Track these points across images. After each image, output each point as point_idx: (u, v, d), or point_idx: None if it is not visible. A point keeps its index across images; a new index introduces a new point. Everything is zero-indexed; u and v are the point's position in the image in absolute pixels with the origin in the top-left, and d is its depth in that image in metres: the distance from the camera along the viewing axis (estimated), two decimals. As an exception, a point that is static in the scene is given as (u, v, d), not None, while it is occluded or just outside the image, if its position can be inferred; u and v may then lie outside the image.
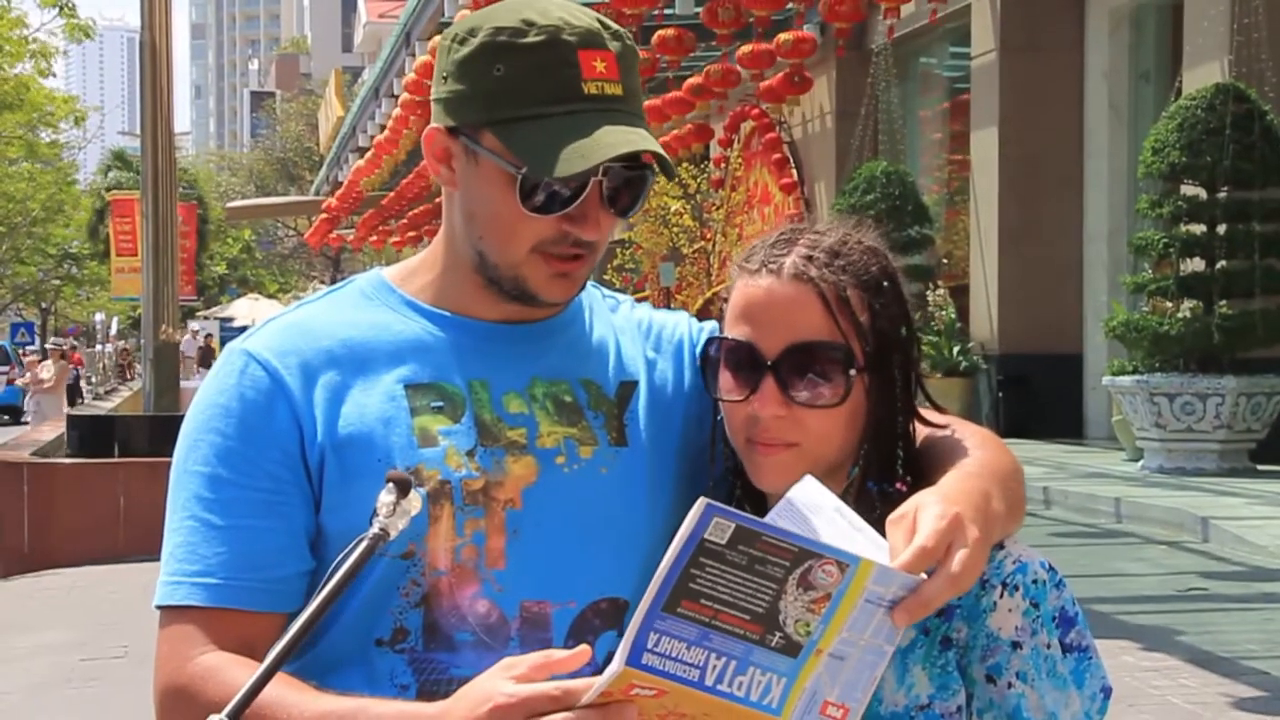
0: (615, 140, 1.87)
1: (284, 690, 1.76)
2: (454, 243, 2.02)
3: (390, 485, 1.75)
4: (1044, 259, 19.64)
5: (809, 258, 1.90)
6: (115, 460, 13.05)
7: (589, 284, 2.13)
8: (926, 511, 1.71)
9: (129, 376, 51.04)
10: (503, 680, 1.65)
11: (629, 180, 1.94)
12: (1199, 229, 15.01)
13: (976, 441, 1.95)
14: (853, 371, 1.88)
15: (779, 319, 1.88)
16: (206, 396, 1.98)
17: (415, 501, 1.77)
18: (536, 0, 1.95)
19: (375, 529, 1.72)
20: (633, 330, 2.14)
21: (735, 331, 1.92)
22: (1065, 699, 1.86)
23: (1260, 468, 14.68)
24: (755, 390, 1.88)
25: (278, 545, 1.91)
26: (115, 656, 8.52)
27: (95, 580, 11.37)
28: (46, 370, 32.30)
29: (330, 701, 1.79)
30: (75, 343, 64.98)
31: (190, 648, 1.88)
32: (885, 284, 1.93)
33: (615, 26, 1.96)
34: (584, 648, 1.67)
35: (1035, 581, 1.85)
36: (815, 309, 1.88)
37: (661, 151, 1.92)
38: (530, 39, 1.90)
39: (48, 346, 37.11)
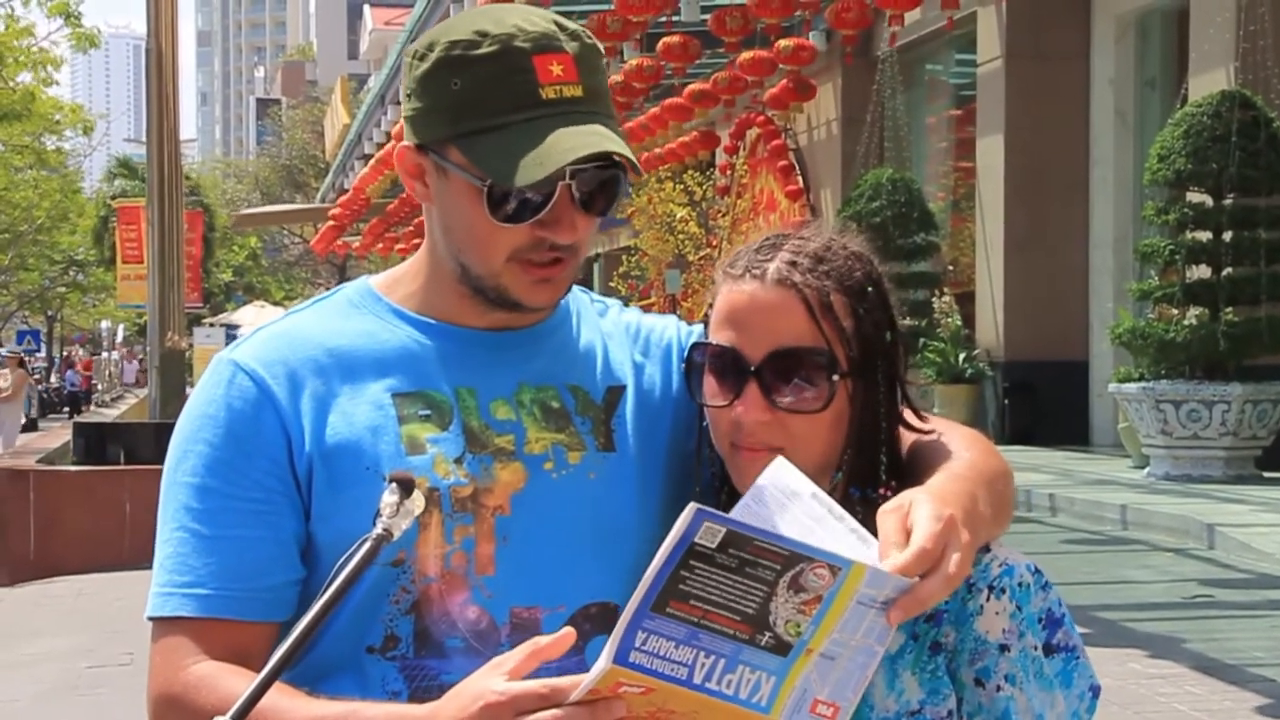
0: (573, 144, 1.86)
1: (275, 696, 1.76)
2: (436, 254, 2.03)
3: (393, 485, 1.75)
4: (1050, 266, 19.64)
5: (793, 263, 1.90)
6: (121, 468, 13.06)
7: (577, 289, 2.13)
8: (921, 510, 1.70)
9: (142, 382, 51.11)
10: (493, 678, 1.65)
11: (602, 181, 1.93)
12: (1205, 236, 14.99)
13: (964, 444, 1.95)
14: (836, 377, 1.87)
15: (762, 324, 1.88)
16: (194, 407, 1.99)
17: (419, 501, 1.77)
18: (494, 9, 1.94)
19: (378, 529, 1.72)
20: (621, 334, 2.14)
21: (719, 337, 1.92)
22: (1051, 700, 1.86)
23: (1266, 475, 14.67)
24: (739, 395, 1.88)
25: (267, 554, 1.91)
26: (121, 664, 8.52)
27: (101, 587, 11.39)
28: (4, 380, 31.94)
29: (322, 706, 1.79)
30: (85, 349, 65.10)
31: (182, 657, 1.89)
32: (870, 289, 1.92)
33: (573, 27, 1.95)
34: (568, 630, 1.67)
35: (1020, 584, 1.85)
36: (799, 314, 1.87)
37: (624, 149, 1.90)
38: (484, 49, 1.89)
39: (4, 354, 36.45)
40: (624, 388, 2.08)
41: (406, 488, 1.75)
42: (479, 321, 2.02)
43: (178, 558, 1.92)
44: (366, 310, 2.05)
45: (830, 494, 1.87)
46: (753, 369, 1.88)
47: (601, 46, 1.99)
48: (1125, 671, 7.46)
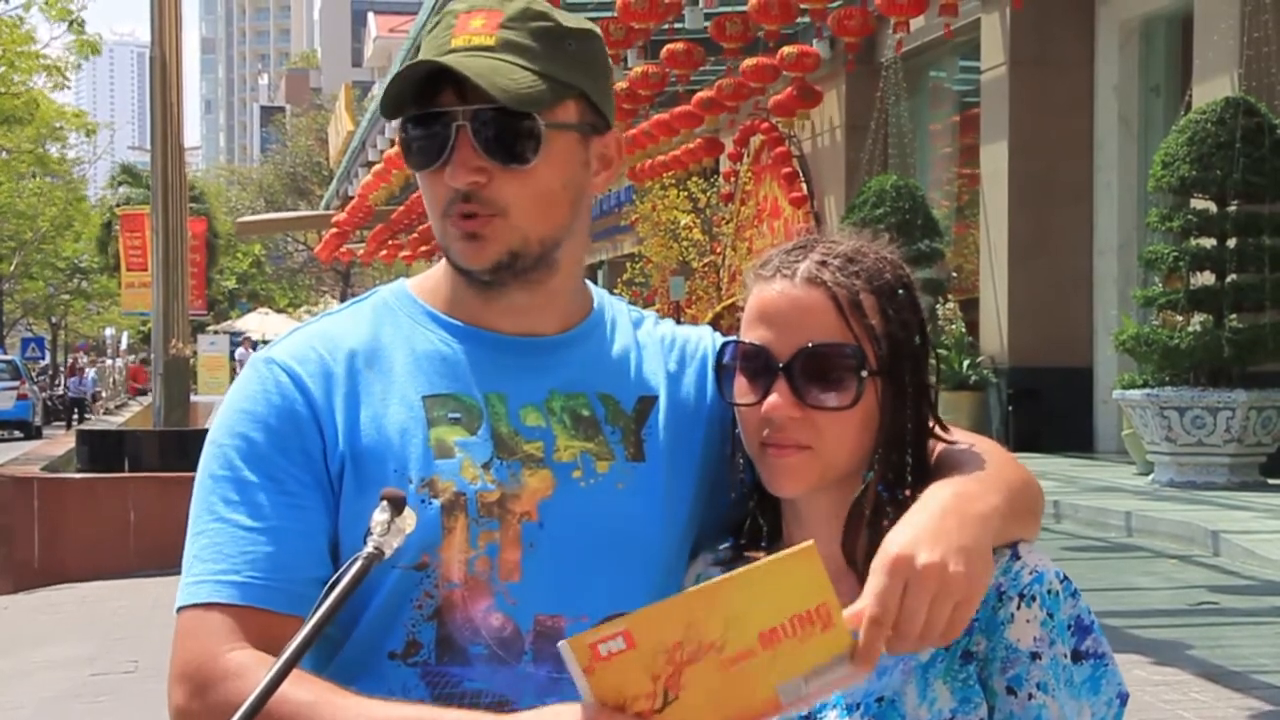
0: (429, 67, 1.88)
1: (335, 698, 1.77)
2: None
3: (384, 503, 1.73)
4: (1054, 272, 19.64)
5: (823, 263, 1.91)
6: (125, 475, 13.06)
7: (612, 297, 2.14)
8: (874, 576, 1.72)
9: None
10: None
11: (506, 124, 1.90)
12: (1209, 243, 14.99)
13: (979, 455, 1.94)
14: (865, 374, 1.88)
15: (792, 322, 1.89)
16: (232, 403, 1.98)
17: (410, 519, 1.74)
18: None
19: (370, 548, 1.69)
20: (655, 345, 2.13)
21: (749, 336, 1.92)
22: (1080, 708, 1.86)
23: (1271, 481, 14.66)
24: (768, 393, 1.88)
25: (303, 548, 1.90)
26: (125, 671, 8.52)
27: (105, 595, 11.39)
28: None
29: (388, 709, 1.79)
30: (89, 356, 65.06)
31: (219, 641, 1.85)
32: (899, 291, 1.93)
33: (540, 7, 1.96)
34: None
35: (1050, 592, 1.85)
36: (828, 312, 1.88)
37: (488, 76, 1.87)
38: (434, 21, 1.96)
39: None
40: (656, 398, 2.07)
41: (397, 505, 1.73)
42: (507, 325, 2.01)
43: (214, 549, 1.90)
44: (401, 313, 2.05)
45: (861, 493, 1.90)
46: (781, 366, 1.88)
47: (570, 22, 1.97)
48: (1130, 678, 7.41)
